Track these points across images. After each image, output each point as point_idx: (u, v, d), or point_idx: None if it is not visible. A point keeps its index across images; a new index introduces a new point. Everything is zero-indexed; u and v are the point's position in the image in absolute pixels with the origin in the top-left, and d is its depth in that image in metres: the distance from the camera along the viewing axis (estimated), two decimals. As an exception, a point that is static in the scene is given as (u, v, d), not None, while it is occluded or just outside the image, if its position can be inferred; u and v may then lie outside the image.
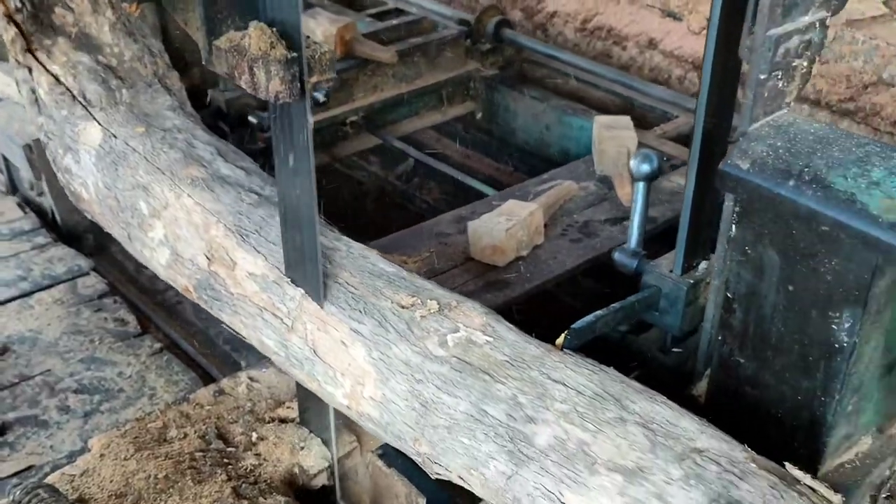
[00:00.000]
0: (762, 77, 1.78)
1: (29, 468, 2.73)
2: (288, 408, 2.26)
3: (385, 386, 1.89)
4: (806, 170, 1.72)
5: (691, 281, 2.02)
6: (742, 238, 1.83)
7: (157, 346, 3.24)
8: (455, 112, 4.18)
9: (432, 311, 1.94)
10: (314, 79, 1.73)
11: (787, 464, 1.71)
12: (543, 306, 2.98)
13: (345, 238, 2.18)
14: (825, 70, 3.75)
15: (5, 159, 4.00)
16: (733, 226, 1.84)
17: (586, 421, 1.72)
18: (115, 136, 2.46)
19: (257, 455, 2.14)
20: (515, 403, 1.76)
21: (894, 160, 1.72)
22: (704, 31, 3.43)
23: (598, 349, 1.96)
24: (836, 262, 1.72)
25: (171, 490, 1.99)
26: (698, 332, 2.14)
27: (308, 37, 1.72)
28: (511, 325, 1.95)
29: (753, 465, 1.67)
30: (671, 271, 2.06)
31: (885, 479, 2.01)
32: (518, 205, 2.85)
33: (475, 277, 2.70)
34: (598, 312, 2.02)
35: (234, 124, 3.57)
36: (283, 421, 2.23)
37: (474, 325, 1.92)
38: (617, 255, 2.15)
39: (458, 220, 2.98)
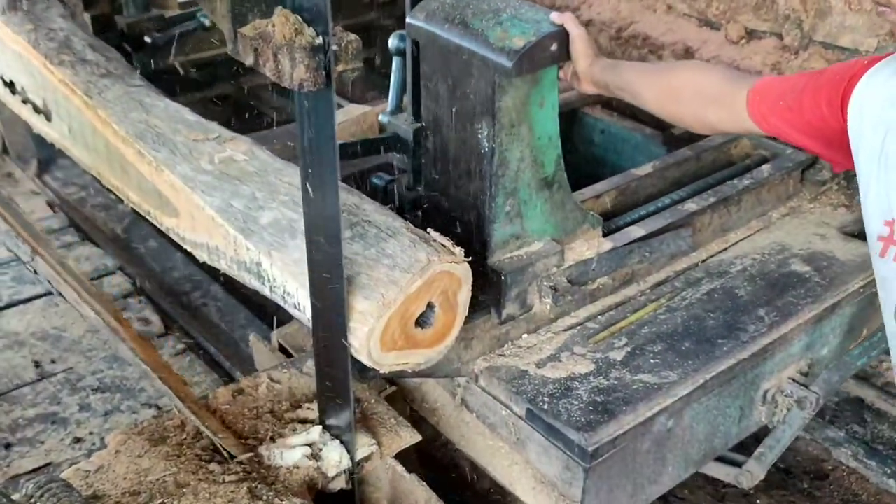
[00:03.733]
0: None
1: (47, 465, 2.74)
2: (308, 409, 2.23)
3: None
4: (458, 17, 2.24)
5: (418, 125, 2.47)
6: (425, 74, 2.34)
7: (180, 346, 3.23)
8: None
9: (210, 138, 2.52)
10: (340, 67, 1.65)
11: (430, 230, 2.18)
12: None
13: (166, 98, 2.79)
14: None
15: None
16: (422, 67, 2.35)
17: (298, 207, 2.24)
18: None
19: (275, 456, 2.07)
20: (253, 198, 2.30)
21: (521, 9, 2.23)
22: (743, 41, 3.80)
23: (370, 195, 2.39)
24: (474, 83, 2.22)
25: (185, 489, 1.91)
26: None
27: (335, 25, 1.64)
28: (269, 152, 2.50)
29: (404, 230, 2.16)
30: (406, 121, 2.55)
31: (550, 273, 2.41)
32: (355, 107, 3.33)
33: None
34: (344, 142, 2.55)
35: (136, 46, 4.09)
36: (302, 422, 2.19)
37: (240, 150, 2.49)
38: (380, 118, 2.64)
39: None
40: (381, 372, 2.12)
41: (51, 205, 4.12)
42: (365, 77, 4.72)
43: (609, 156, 3.65)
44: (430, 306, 2.10)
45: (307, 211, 1.84)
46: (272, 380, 2.36)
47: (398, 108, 2.66)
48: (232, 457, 2.04)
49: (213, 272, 3.53)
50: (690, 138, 3.44)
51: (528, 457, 2.28)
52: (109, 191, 2.69)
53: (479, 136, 2.24)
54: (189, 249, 2.54)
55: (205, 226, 2.39)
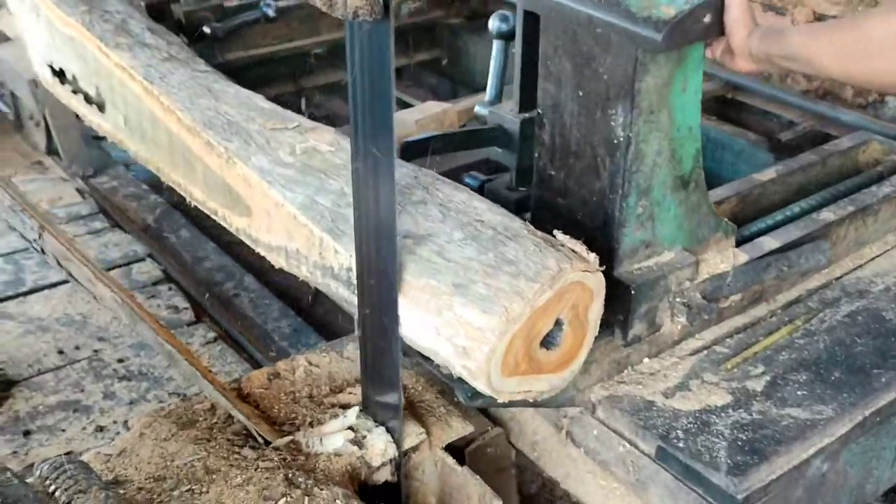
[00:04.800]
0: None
1: (68, 454, 2.60)
2: (350, 393, 2.04)
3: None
4: (588, -17, 1.89)
5: (526, 116, 2.14)
6: (545, 54, 1.99)
7: (212, 335, 3.04)
8: (421, 57, 4.33)
9: (289, 127, 2.18)
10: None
11: (555, 231, 1.83)
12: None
13: (236, 85, 2.45)
14: None
15: (13, 95, 4.07)
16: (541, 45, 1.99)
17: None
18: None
19: (314, 443, 1.89)
20: (342, 194, 1.95)
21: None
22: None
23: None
24: (609, 61, 1.85)
25: (215, 476, 1.75)
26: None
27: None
28: None
29: (525, 232, 1.81)
30: (511, 111, 2.21)
31: (683, 288, 2.05)
32: (434, 104, 3.01)
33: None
34: (434, 133, 2.19)
35: (193, 37, 3.78)
36: (343, 407, 1.99)
37: (324, 140, 2.14)
38: (477, 108, 2.31)
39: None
40: (499, 402, 1.77)
41: (80, 192, 3.94)
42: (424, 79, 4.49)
43: (707, 164, 3.26)
44: (557, 324, 1.76)
45: (356, 171, 1.65)
46: (310, 363, 2.14)
47: (498, 98, 2.33)
48: (267, 443, 1.85)
49: (246, 263, 3.47)
50: (800, 145, 3.08)
51: (649, 500, 1.99)
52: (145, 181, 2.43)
53: (612, 123, 1.88)
54: (263, 253, 2.20)
55: (284, 226, 2.06)
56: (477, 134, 2.25)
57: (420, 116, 2.91)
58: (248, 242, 2.26)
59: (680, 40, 1.79)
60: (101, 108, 2.77)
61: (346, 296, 1.92)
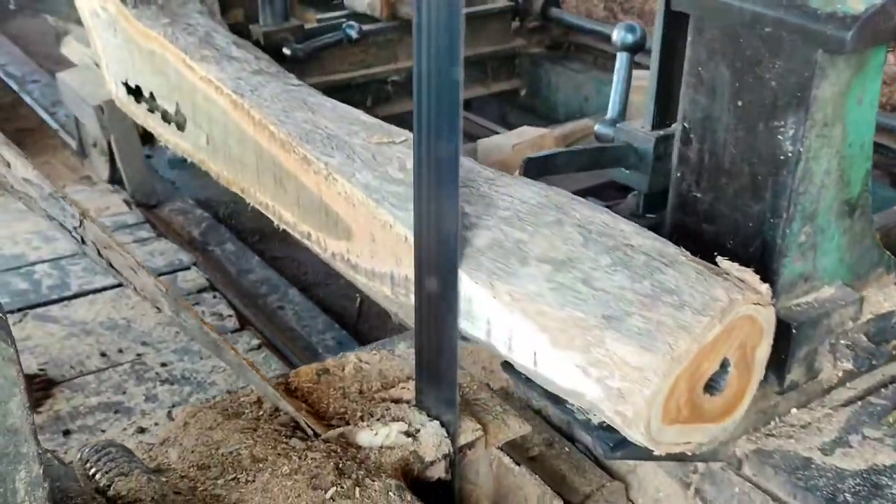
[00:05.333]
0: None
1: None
2: (403, 388, 1.92)
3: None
4: (751, -21, 1.66)
5: (661, 133, 1.92)
6: (695, 59, 1.75)
7: (255, 342, 2.96)
8: (499, 87, 4.15)
9: (397, 141, 1.96)
10: None
11: (718, 257, 1.59)
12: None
13: (332, 100, 2.24)
14: None
15: (77, 121, 4.00)
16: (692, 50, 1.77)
17: (525, 224, 1.69)
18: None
19: (365, 436, 1.79)
20: (462, 213, 1.73)
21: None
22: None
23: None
24: (779, 65, 1.61)
25: (261, 464, 1.66)
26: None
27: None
28: (472, 158, 1.94)
29: (683, 258, 1.58)
30: (642, 128, 1.98)
31: (847, 328, 1.79)
32: (530, 129, 2.83)
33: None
34: (558, 150, 1.96)
35: (273, 58, 3.62)
36: (396, 401, 1.88)
37: None
38: (598, 127, 2.08)
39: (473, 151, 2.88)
40: (654, 454, 1.51)
41: (127, 203, 3.88)
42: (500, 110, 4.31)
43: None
44: (722, 365, 1.51)
45: (417, 138, 1.48)
46: (360, 360, 2.01)
47: (621, 116, 2.10)
48: (316, 435, 1.75)
49: (292, 277, 3.49)
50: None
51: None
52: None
53: (779, 137, 1.64)
54: (362, 280, 1.97)
55: (391, 249, 1.83)
56: (604, 153, 2.02)
57: (517, 141, 2.74)
58: (343, 270, 2.04)
59: (869, 40, 1.55)
60: (180, 126, 2.57)
61: (466, 328, 1.68)
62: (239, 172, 2.33)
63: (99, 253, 1.78)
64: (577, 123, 3.07)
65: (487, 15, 4.02)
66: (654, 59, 1.92)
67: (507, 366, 1.73)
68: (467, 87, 3.92)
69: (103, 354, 2.83)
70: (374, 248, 1.88)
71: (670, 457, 1.64)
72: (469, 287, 1.63)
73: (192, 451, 1.71)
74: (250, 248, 3.67)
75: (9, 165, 1.66)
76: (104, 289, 3.14)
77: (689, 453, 1.57)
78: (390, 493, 1.60)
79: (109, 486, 1.52)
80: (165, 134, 2.68)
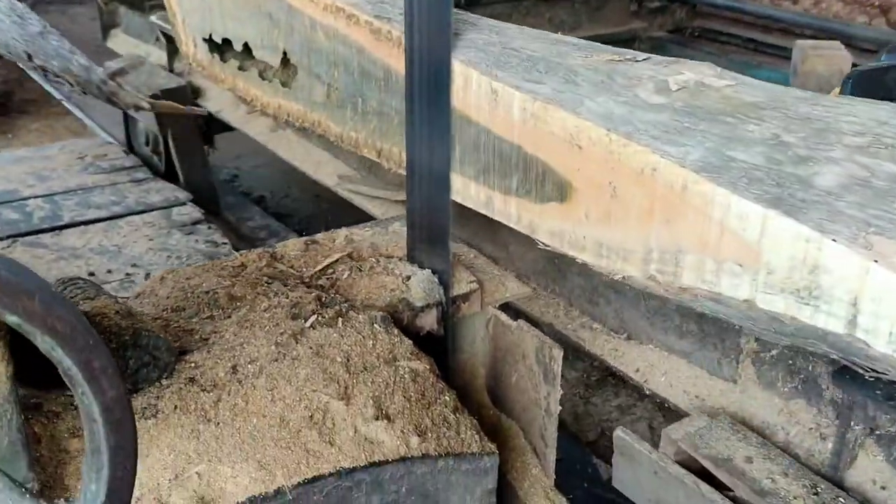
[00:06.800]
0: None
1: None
2: (395, 256, 1.79)
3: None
4: None
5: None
6: None
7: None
8: None
9: (638, 59, 1.55)
10: None
11: None
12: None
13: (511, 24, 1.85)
14: None
15: (126, 116, 3.78)
16: None
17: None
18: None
19: (351, 283, 1.69)
20: (778, 143, 1.31)
21: None
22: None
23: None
24: None
25: (239, 302, 1.56)
26: None
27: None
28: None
29: None
30: None
31: None
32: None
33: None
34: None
35: None
36: (386, 257, 1.78)
37: (705, 72, 1.52)
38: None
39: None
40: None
41: (125, 151, 3.78)
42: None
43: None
44: None
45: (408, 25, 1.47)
46: (351, 233, 1.92)
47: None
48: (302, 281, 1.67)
49: (292, 223, 3.58)
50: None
51: None
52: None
53: None
54: (588, 263, 1.49)
55: (650, 207, 1.37)
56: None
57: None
58: (547, 246, 1.55)
59: None
60: (284, 81, 2.08)
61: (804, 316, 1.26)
62: (374, 131, 1.85)
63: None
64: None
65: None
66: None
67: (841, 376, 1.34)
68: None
69: (91, 274, 2.80)
70: (613, 209, 1.43)
71: None
72: (823, 248, 1.14)
73: (168, 298, 1.61)
74: (250, 198, 3.75)
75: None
76: (97, 220, 3.12)
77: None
78: (375, 324, 1.51)
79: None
80: (264, 96, 2.20)
